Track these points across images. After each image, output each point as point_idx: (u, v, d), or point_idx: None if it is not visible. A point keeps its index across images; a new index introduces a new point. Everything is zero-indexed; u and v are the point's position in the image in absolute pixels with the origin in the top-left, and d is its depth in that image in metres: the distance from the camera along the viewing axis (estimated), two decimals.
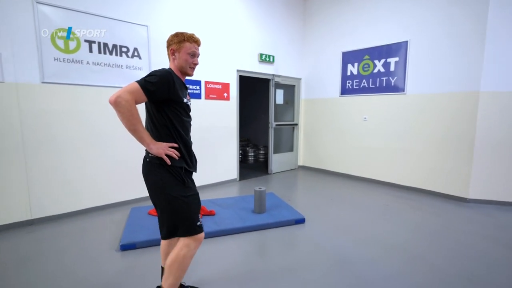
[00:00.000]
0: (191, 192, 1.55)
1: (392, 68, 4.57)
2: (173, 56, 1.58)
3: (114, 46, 3.43)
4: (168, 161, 1.45)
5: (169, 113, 1.48)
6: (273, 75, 5.43)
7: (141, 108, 1.49)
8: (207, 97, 4.44)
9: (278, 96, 5.71)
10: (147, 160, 1.53)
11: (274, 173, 5.69)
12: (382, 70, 4.71)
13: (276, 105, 5.63)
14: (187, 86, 1.68)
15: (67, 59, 3.11)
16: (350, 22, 5.10)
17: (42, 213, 3.08)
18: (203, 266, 2.21)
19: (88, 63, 3.26)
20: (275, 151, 5.75)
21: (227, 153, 4.86)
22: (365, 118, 4.98)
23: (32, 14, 2.87)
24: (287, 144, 6.20)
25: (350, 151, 5.27)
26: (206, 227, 2.75)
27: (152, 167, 1.51)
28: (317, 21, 5.68)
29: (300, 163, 6.30)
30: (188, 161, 1.57)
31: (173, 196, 1.48)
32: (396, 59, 4.50)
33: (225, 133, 4.78)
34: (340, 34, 5.28)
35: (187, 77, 1.70)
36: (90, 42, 3.24)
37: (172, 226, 1.55)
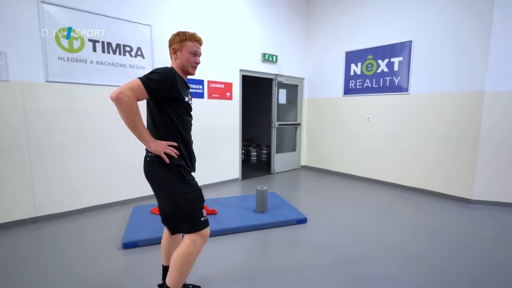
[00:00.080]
0: (193, 188, 1.55)
1: (396, 68, 4.54)
2: (175, 55, 1.58)
3: (118, 45, 3.45)
4: (167, 160, 1.45)
5: (170, 111, 1.48)
6: (276, 74, 5.43)
7: (142, 107, 1.50)
8: (210, 97, 4.45)
9: (281, 96, 5.70)
10: (147, 159, 1.54)
11: (276, 173, 5.69)
12: (385, 70, 4.68)
13: (279, 105, 5.62)
14: (189, 85, 1.68)
15: (71, 58, 3.14)
16: (353, 21, 5.07)
17: (46, 211, 3.11)
18: (204, 265, 2.21)
19: (92, 62, 3.28)
20: (278, 151, 5.74)
21: (230, 153, 4.87)
22: (368, 118, 4.96)
23: (37, 13, 2.89)
24: (290, 144, 6.19)
25: (353, 151, 5.24)
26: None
27: (153, 166, 1.51)
28: (321, 21, 5.66)
29: (303, 163, 6.29)
30: (187, 160, 1.57)
31: (175, 194, 1.48)
32: (400, 58, 4.47)
33: (227, 133, 4.79)
34: (344, 33, 5.25)
35: (189, 76, 1.70)
36: (94, 42, 3.27)
37: (177, 223, 1.56)
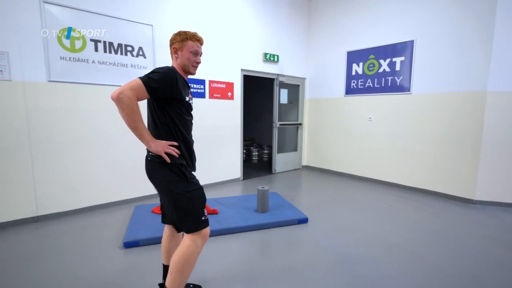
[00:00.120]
0: (194, 186, 1.54)
1: (397, 67, 4.52)
2: (176, 55, 1.59)
3: (120, 45, 3.46)
4: (168, 159, 1.45)
5: (170, 111, 1.48)
6: (278, 74, 5.42)
7: (143, 107, 1.50)
8: (211, 96, 4.46)
9: (283, 96, 5.70)
10: (149, 159, 1.54)
11: (277, 173, 5.68)
12: (387, 69, 4.66)
13: (280, 105, 5.62)
14: (190, 85, 1.68)
15: (73, 58, 3.15)
16: (355, 21, 5.06)
17: (48, 210, 3.12)
18: (205, 265, 2.21)
19: (93, 62, 3.29)
20: (279, 151, 5.74)
21: (231, 153, 4.87)
22: (370, 118, 4.94)
23: (39, 13, 2.91)
24: (291, 144, 6.18)
25: (355, 151, 5.23)
26: (209, 226, 2.76)
27: (154, 166, 1.51)
28: (322, 21, 5.65)
29: (304, 163, 6.29)
30: (188, 160, 1.57)
31: (177, 193, 1.48)
32: (402, 58, 4.45)
33: (229, 133, 4.79)
34: (345, 33, 5.24)
35: (190, 76, 1.70)
36: (95, 41, 3.28)
37: (178, 222, 1.56)
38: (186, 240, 1.53)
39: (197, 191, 1.55)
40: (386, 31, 4.62)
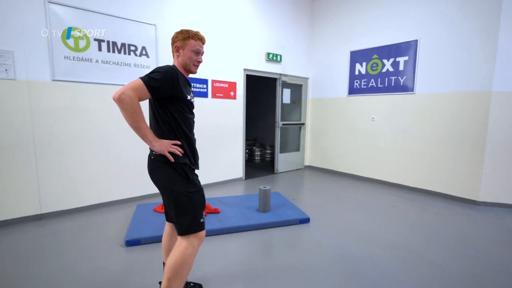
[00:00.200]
0: (196, 188, 1.55)
1: (401, 67, 4.50)
2: (177, 53, 1.59)
3: (123, 45, 3.48)
4: (171, 159, 1.46)
5: (172, 110, 1.49)
6: (280, 74, 5.42)
7: (144, 106, 1.51)
8: (214, 96, 4.46)
9: (285, 96, 5.69)
10: (152, 158, 1.54)
11: (280, 173, 5.68)
12: (391, 69, 4.64)
13: (283, 105, 5.61)
14: (192, 84, 1.69)
15: (77, 58, 3.18)
16: (358, 21, 5.04)
17: (51, 208, 3.15)
18: (206, 264, 2.22)
19: (97, 61, 3.31)
20: (282, 151, 5.73)
21: (233, 152, 4.88)
22: (373, 118, 4.92)
23: (44, 13, 2.93)
24: (294, 144, 6.17)
25: (357, 151, 5.21)
26: (211, 225, 2.77)
27: (157, 165, 1.52)
28: (326, 21, 5.63)
29: (307, 163, 6.27)
30: (191, 158, 1.57)
31: (178, 192, 1.49)
32: (406, 58, 4.42)
33: (231, 132, 4.80)
34: (349, 33, 5.22)
35: (191, 75, 1.71)
36: (99, 41, 3.30)
37: (177, 221, 1.56)
38: (183, 242, 1.51)
39: (198, 192, 1.56)
40: (390, 31, 4.59)
